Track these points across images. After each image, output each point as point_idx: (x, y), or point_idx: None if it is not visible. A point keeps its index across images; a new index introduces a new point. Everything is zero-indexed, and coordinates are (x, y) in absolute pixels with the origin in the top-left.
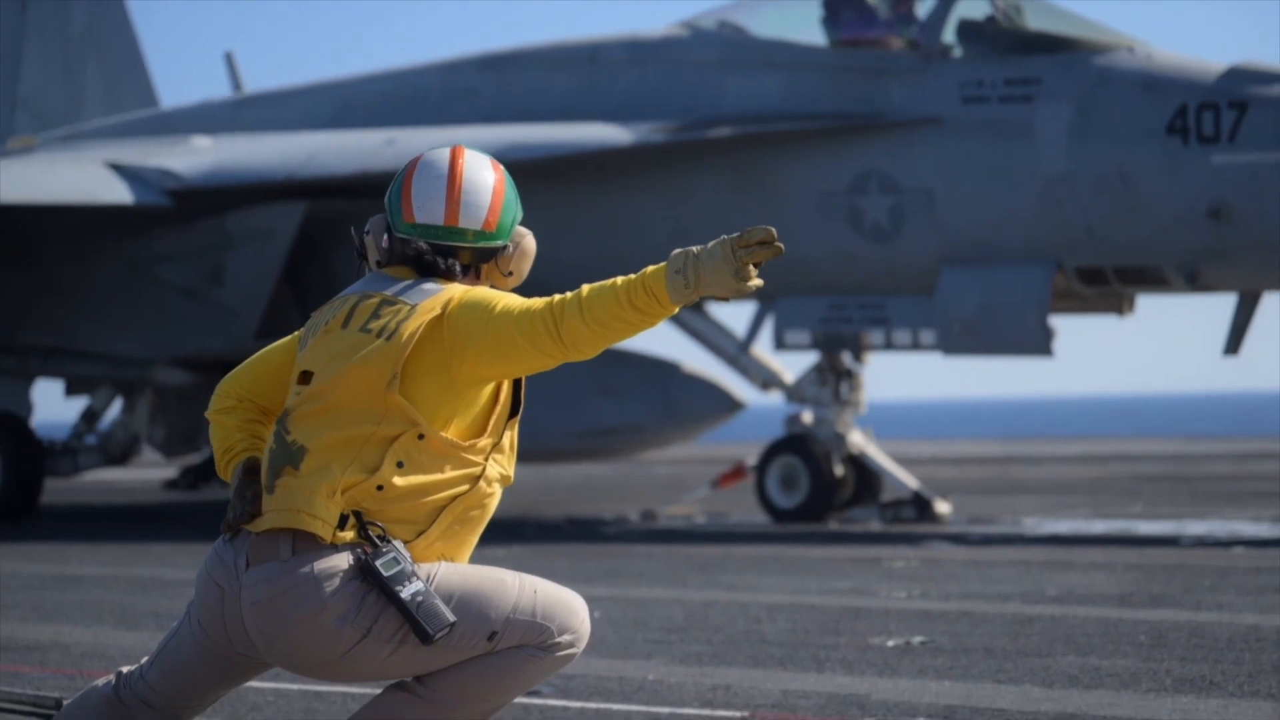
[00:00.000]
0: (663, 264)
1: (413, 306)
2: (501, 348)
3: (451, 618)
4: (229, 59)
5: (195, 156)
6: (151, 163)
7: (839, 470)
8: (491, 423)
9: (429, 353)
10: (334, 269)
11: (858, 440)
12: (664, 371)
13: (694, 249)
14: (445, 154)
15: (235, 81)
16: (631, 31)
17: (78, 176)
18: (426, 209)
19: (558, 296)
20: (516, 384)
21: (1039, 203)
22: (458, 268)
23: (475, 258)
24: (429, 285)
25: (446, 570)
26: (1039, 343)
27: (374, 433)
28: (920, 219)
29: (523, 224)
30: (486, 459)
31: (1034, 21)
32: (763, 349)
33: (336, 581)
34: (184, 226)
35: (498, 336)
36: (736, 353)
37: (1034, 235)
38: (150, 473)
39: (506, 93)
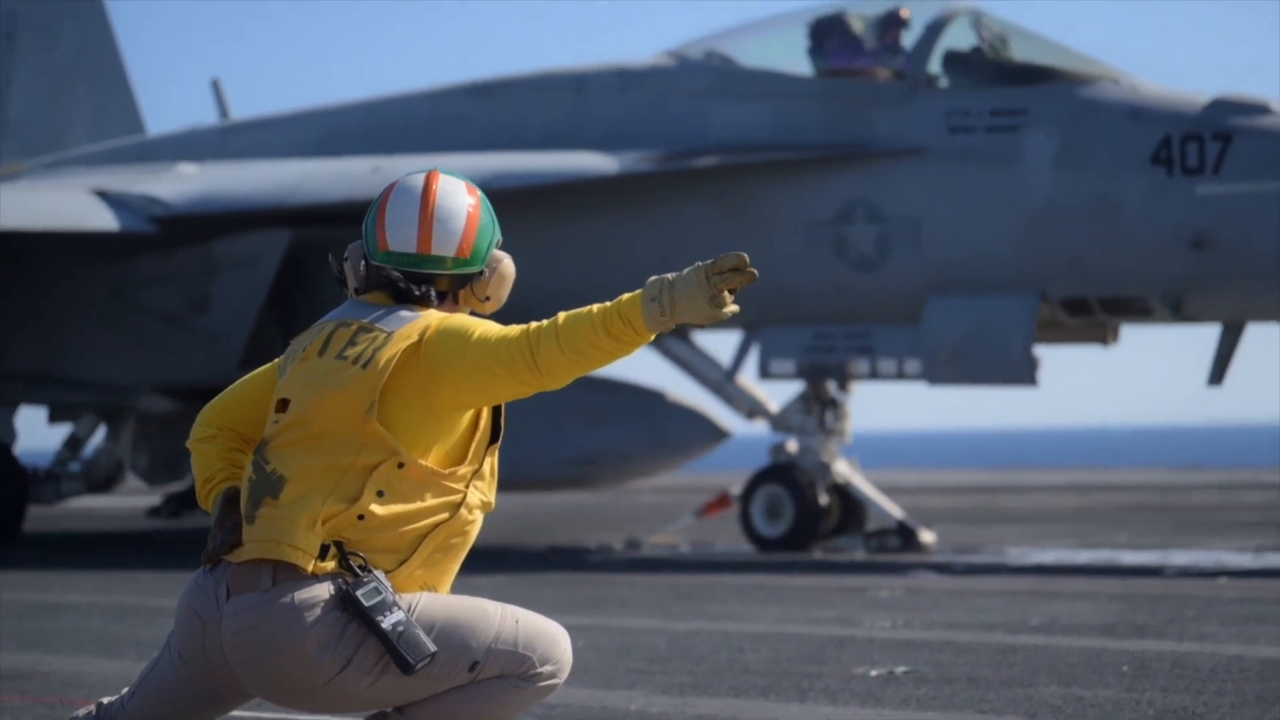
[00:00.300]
0: (639, 291)
1: (389, 334)
2: (478, 375)
3: (433, 648)
4: (216, 86)
5: (181, 183)
6: (137, 189)
7: (824, 499)
8: (472, 450)
9: (407, 380)
10: (319, 296)
11: (843, 469)
12: (649, 400)
13: (669, 276)
14: (419, 180)
15: (222, 108)
16: (619, 61)
17: (64, 203)
18: (399, 237)
19: (534, 324)
20: (496, 410)
21: (1024, 233)
22: (433, 294)
23: (452, 284)
24: (405, 312)
25: (428, 600)
26: (1024, 373)
27: (353, 462)
28: (906, 248)
29: (507, 250)
30: (467, 486)
31: (1020, 52)
32: (748, 378)
33: (317, 611)
34: (169, 253)
35: (474, 364)
36: (722, 381)
37: (1019, 265)
38: (133, 500)
39: (494, 121)
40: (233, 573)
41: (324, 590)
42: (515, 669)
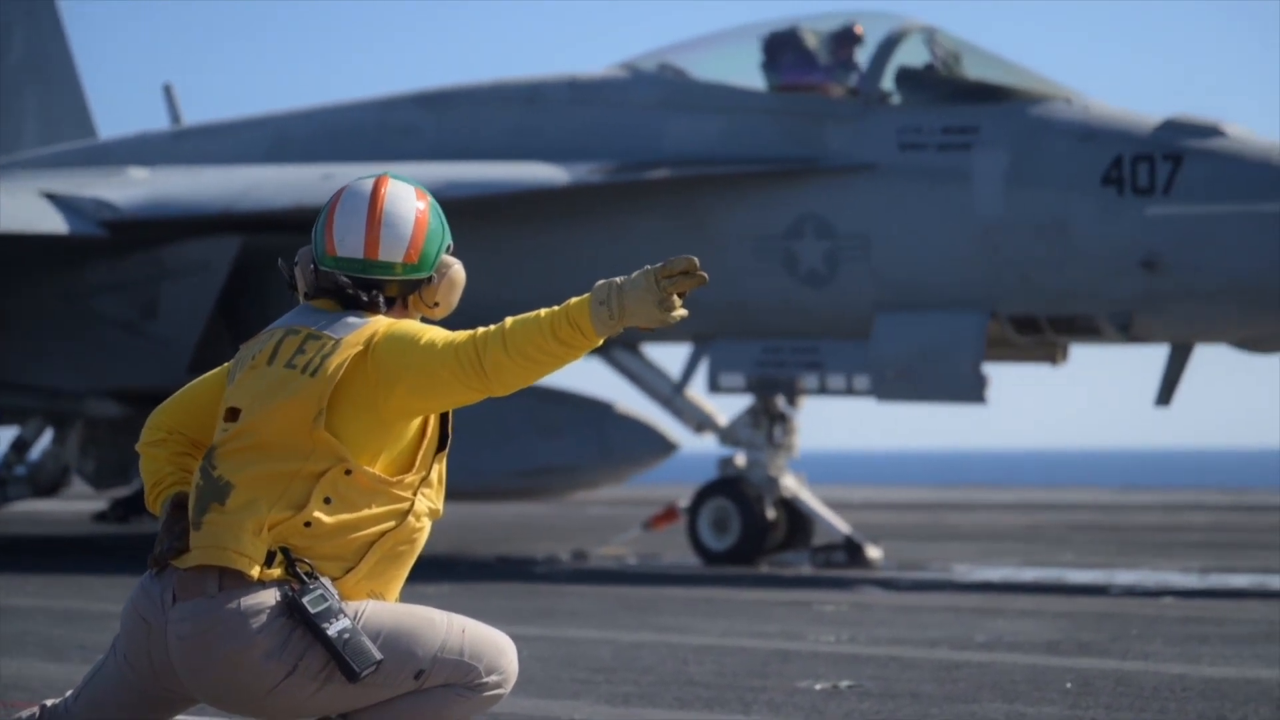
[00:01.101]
0: (586, 295)
1: (337, 341)
2: (426, 381)
3: (378, 655)
4: (168, 91)
5: (132, 188)
6: (87, 193)
7: (771, 513)
8: (419, 457)
9: (354, 387)
10: (269, 303)
11: (790, 484)
12: (598, 411)
13: (617, 280)
14: (368, 185)
15: (174, 113)
16: (571, 72)
17: (12, 205)
18: (347, 242)
19: (481, 330)
20: (444, 417)
21: (974, 250)
22: (382, 300)
23: (401, 289)
24: (354, 319)
25: (374, 608)
26: (972, 390)
27: (300, 469)
28: (855, 264)
29: (457, 259)
30: (415, 494)
31: (973, 70)
32: (697, 391)
33: (263, 618)
34: (118, 258)
35: (422, 370)
36: (670, 394)
37: (969, 282)
38: (79, 505)
39: (445, 130)
40: (179, 578)
41: (270, 597)
42: (461, 678)
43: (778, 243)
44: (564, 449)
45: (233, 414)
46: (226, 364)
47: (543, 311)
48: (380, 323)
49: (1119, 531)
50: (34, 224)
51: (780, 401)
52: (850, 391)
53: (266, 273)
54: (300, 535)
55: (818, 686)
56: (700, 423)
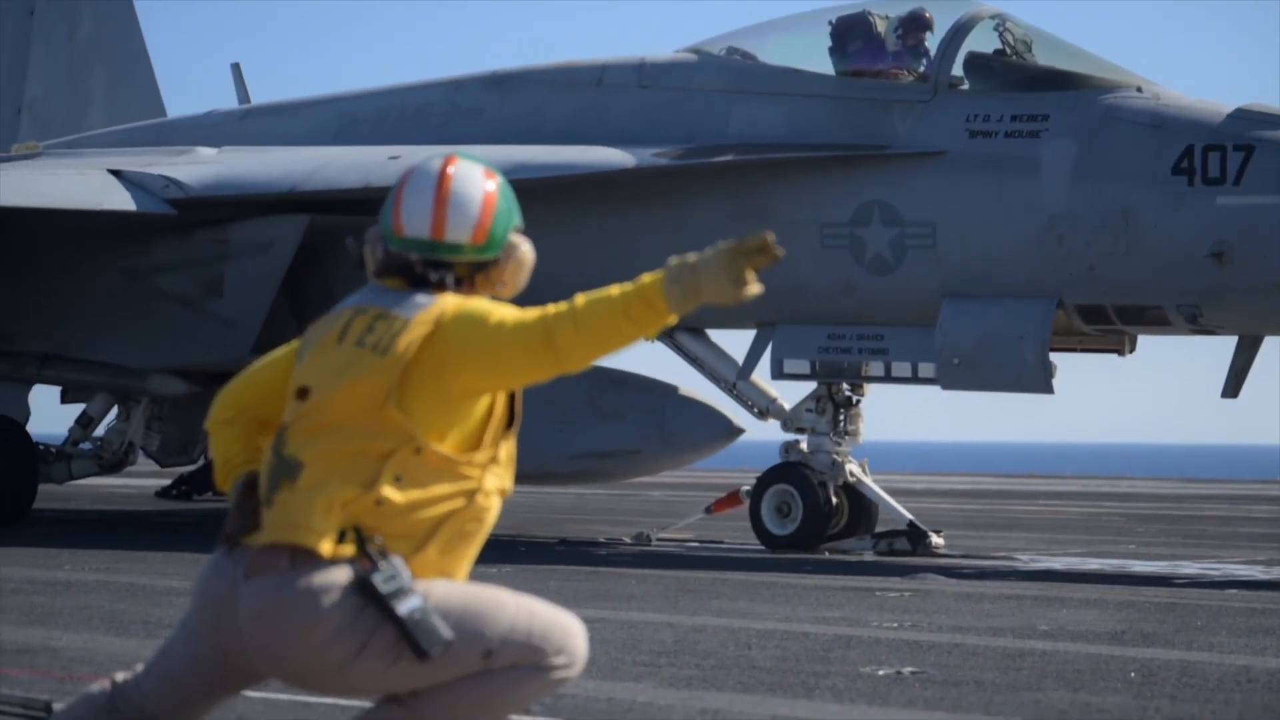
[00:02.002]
0: (659, 272)
1: (407, 320)
2: (496, 359)
3: (448, 635)
4: (236, 70)
5: (199, 167)
6: (154, 171)
7: (834, 499)
8: (487, 435)
9: (424, 366)
10: (333, 283)
11: (854, 470)
12: (661, 395)
13: (690, 257)
14: (436, 165)
15: (242, 93)
16: (639, 55)
17: (80, 183)
18: (414, 222)
19: (552, 307)
20: (512, 396)
21: (1041, 238)
22: (450, 279)
23: (469, 269)
24: (422, 298)
25: (444, 587)
26: (1038, 379)
27: (370, 447)
28: (922, 251)
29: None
30: (484, 472)
31: (1043, 57)
32: (761, 377)
33: (334, 596)
34: (184, 236)
35: (492, 348)
36: (735, 379)
37: (1036, 271)
38: (144, 481)
39: (511, 113)
40: (251, 556)
41: (341, 575)
42: (529, 659)
43: (844, 229)
44: (625, 433)
45: (303, 393)
46: (295, 342)
47: (614, 289)
48: (449, 301)
49: (1182, 522)
50: (101, 201)
51: (844, 387)
52: (915, 379)
53: (332, 252)
54: (371, 514)
55: (880, 672)
56: (764, 408)
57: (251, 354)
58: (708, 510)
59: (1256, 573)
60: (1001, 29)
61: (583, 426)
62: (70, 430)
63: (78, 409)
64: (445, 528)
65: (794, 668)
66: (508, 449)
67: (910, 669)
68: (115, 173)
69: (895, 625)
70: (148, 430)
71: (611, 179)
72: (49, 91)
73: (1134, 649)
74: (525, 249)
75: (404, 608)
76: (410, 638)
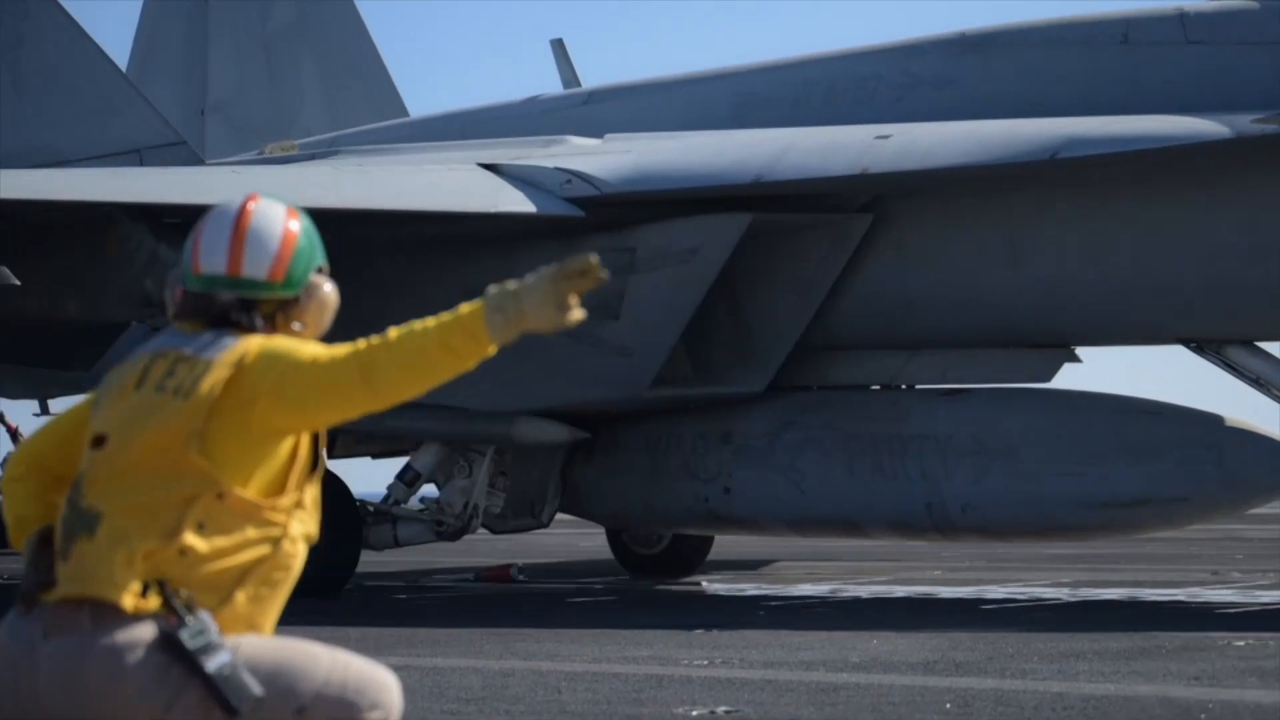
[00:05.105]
0: (479, 302)
1: (209, 362)
2: (307, 396)
3: (258, 691)
4: (558, 46)
5: (606, 158)
6: (547, 164)
7: None
8: (292, 479)
9: (228, 408)
10: (776, 292)
11: None
12: (1209, 425)
13: (510, 284)
14: (236, 202)
15: (568, 72)
16: (1175, 4)
17: (458, 180)
18: (211, 259)
19: (362, 342)
20: (315, 439)
21: None
22: (256, 320)
23: (269, 308)
24: (224, 339)
25: (254, 642)
26: None
27: (171, 495)
28: None
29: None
30: (289, 518)
31: None
32: None
33: (139, 653)
34: (565, 244)
35: (304, 384)
36: None
37: None
38: None
39: (995, 82)
40: (50, 614)
41: (146, 631)
42: (344, 715)
43: None
44: (1168, 475)
45: (99, 441)
46: (90, 394)
47: (430, 320)
48: (253, 341)
49: (986, 545)
50: (494, 203)
51: None
52: None
53: (775, 261)
54: (175, 564)
55: (695, 713)
56: None
57: (650, 390)
58: (476, 577)
59: (1064, 594)
60: None
61: (1108, 469)
62: (390, 487)
63: (391, 463)
64: (252, 576)
65: (607, 710)
66: (312, 493)
67: (724, 708)
68: (489, 167)
69: (706, 662)
70: (490, 489)
71: (1198, 151)
72: (241, 89)
73: (948, 678)
74: (328, 289)
75: (212, 664)
76: (219, 695)
